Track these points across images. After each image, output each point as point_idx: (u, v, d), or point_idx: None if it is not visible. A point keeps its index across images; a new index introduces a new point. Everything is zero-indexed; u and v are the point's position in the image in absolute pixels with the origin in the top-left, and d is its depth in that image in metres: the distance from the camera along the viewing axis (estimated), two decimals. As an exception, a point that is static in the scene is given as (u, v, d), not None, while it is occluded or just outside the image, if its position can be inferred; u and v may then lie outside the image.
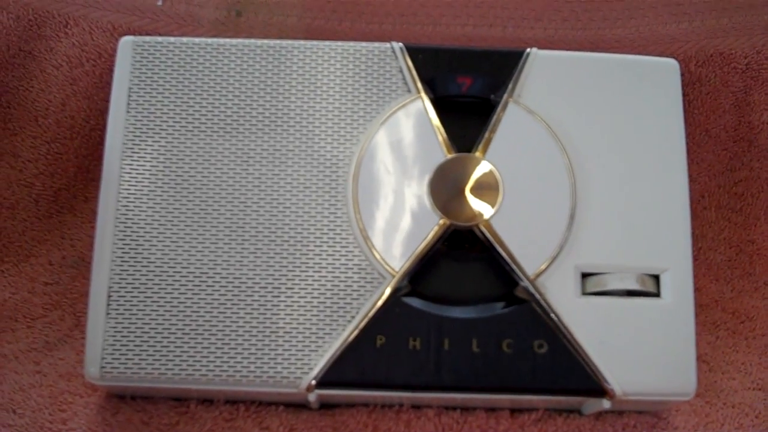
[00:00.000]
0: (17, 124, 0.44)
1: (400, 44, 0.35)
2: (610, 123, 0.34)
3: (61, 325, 0.39)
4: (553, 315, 0.32)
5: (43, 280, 0.42)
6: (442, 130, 0.34)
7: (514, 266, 0.32)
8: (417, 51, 0.35)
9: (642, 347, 0.32)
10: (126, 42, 0.35)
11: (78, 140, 0.45)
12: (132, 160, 0.33)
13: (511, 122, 0.34)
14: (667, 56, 0.36)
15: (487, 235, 0.32)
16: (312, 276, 0.32)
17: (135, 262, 0.32)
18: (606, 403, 0.32)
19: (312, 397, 0.31)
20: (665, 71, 0.35)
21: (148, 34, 0.41)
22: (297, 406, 0.33)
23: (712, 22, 0.49)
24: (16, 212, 0.43)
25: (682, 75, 0.45)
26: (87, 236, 0.44)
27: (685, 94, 0.48)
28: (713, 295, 0.46)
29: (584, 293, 0.32)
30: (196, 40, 0.35)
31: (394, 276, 0.32)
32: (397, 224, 0.33)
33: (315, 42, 0.35)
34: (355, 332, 0.31)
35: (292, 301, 0.32)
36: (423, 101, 0.34)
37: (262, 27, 0.47)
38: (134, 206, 0.33)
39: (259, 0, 0.47)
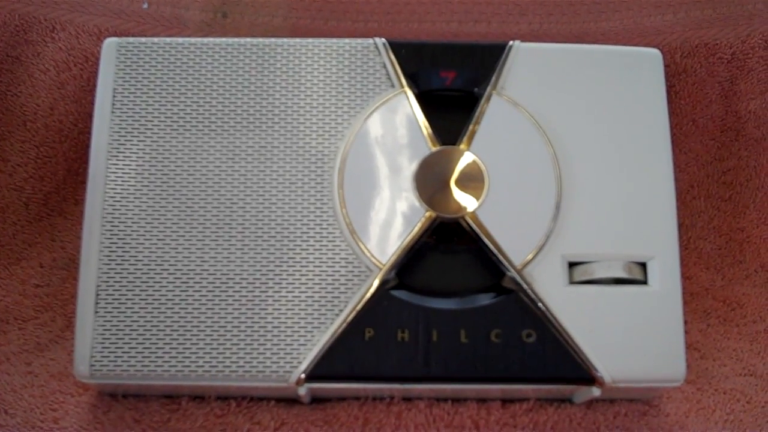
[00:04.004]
0: (6, 128, 0.45)
1: (383, 40, 0.35)
2: (594, 113, 0.34)
3: (52, 327, 0.39)
4: (540, 304, 0.32)
5: (34, 283, 0.42)
6: (426, 123, 0.34)
7: (500, 257, 0.32)
8: (400, 46, 0.35)
9: (630, 335, 0.32)
10: (110, 43, 0.35)
11: (67, 144, 0.45)
12: (118, 160, 0.33)
13: (495, 114, 0.34)
14: (652, 48, 0.36)
15: (473, 226, 0.33)
16: (299, 270, 0.32)
17: (122, 260, 0.32)
18: (596, 391, 0.32)
19: (302, 390, 0.31)
20: (648, 61, 0.35)
21: (134, 36, 0.41)
22: (288, 400, 0.33)
23: (697, 13, 0.49)
24: (7, 216, 0.43)
25: (668, 67, 0.45)
26: (77, 238, 0.44)
27: (671, 86, 0.49)
28: (704, 283, 0.46)
29: (571, 282, 0.32)
30: (180, 40, 0.35)
31: (381, 269, 0.32)
32: (384, 218, 0.33)
33: (298, 39, 0.35)
34: (344, 325, 0.31)
35: (280, 296, 0.32)
36: (407, 96, 0.34)
37: (248, 28, 0.47)
38: (121, 205, 0.33)
39: (245, 1, 0.47)
